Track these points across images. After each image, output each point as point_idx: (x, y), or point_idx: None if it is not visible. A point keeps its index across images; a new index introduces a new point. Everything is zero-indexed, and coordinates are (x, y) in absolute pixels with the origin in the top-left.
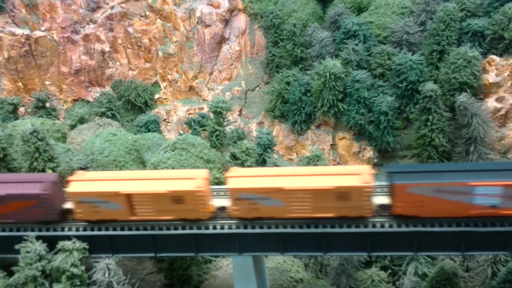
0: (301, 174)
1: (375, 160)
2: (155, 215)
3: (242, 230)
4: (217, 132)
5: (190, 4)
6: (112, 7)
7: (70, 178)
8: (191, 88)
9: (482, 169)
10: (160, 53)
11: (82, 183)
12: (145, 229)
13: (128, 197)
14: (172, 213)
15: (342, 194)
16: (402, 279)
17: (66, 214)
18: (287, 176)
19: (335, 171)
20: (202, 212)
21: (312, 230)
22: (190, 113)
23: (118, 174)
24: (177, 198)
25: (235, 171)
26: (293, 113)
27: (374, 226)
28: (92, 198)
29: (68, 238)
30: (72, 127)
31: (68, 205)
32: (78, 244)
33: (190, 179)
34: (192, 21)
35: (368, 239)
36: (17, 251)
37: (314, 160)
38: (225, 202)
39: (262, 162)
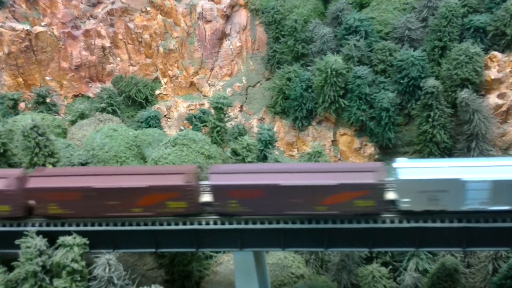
0: None
1: (376, 157)
2: None
3: (243, 226)
4: (218, 128)
5: (191, 0)
6: (112, 3)
7: None
8: (192, 84)
9: None
10: (161, 49)
11: None
12: (145, 224)
13: None
14: None
15: None
16: (403, 275)
17: None
18: None
19: None
20: None
21: (313, 225)
22: (191, 109)
23: None
24: None
25: None
26: (294, 109)
27: (375, 221)
28: None
29: (69, 233)
30: (73, 122)
31: None
32: (79, 239)
33: None
34: (193, 17)
35: (369, 235)
36: (18, 246)
37: (315, 156)
38: None
39: (263, 158)
